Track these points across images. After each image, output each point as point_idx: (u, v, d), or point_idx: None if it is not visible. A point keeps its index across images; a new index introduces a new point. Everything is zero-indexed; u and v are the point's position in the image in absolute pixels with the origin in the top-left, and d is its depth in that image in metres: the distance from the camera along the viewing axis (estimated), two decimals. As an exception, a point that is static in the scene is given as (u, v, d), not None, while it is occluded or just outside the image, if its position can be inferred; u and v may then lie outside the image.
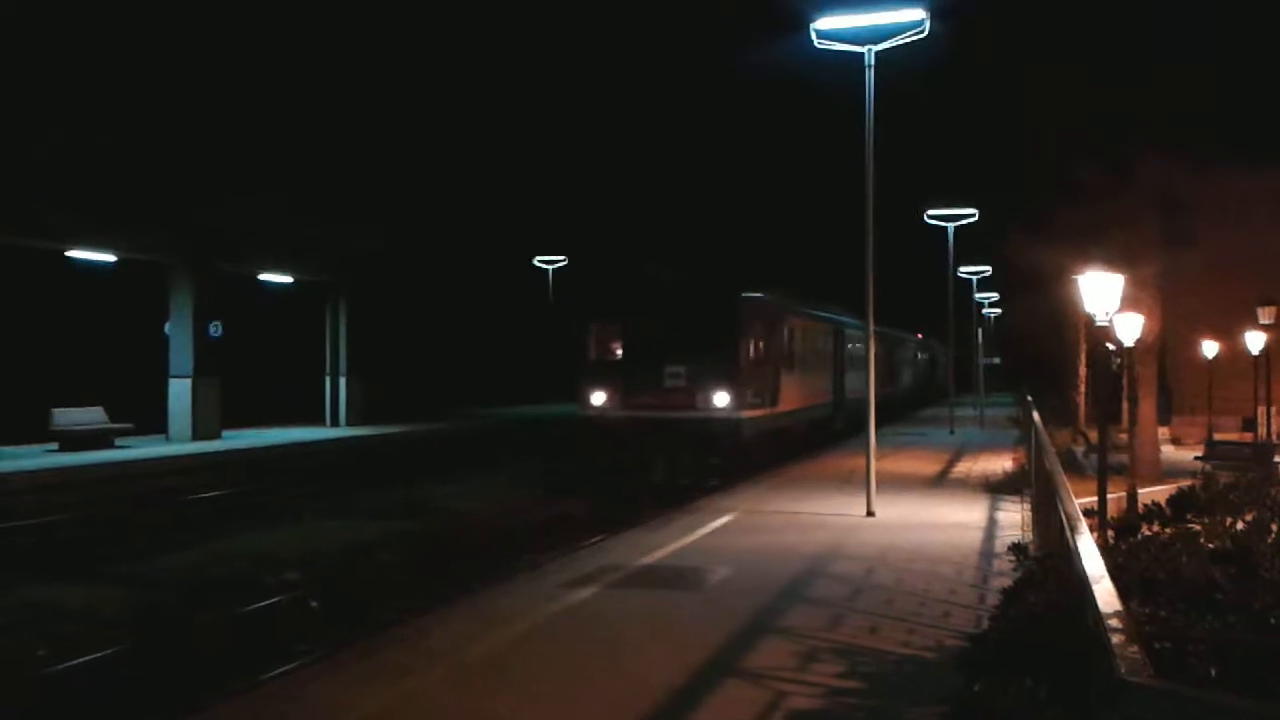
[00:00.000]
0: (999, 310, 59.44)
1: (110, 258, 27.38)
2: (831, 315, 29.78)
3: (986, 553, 12.17)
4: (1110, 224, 22.18)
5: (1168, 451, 30.27)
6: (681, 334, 20.31)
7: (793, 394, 23.54)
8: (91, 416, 25.30)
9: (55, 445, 24.04)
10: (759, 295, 21.90)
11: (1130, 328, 16.18)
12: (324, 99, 38.85)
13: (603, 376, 20.69)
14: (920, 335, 56.38)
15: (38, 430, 24.21)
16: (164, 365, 28.49)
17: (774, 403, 21.78)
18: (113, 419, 25.73)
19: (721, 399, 19.77)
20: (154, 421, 27.87)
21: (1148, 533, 9.43)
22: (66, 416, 24.59)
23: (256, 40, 36.37)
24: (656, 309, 20.92)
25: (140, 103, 29.66)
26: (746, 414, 20.05)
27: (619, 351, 21.28)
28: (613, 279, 24.76)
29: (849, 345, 31.20)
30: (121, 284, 30.77)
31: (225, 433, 28.73)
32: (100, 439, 24.85)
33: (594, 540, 13.98)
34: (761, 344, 21.24)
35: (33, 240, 24.95)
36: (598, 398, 20.56)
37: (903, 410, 43.49)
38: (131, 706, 8.72)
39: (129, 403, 26.75)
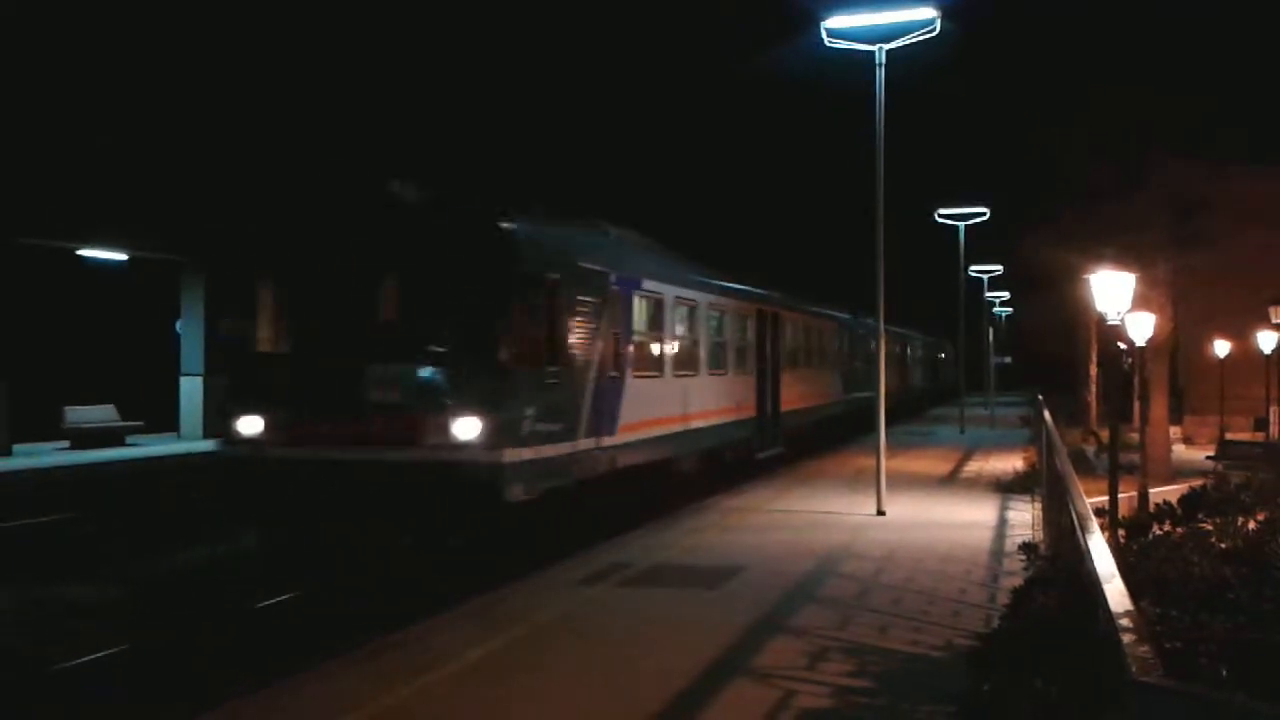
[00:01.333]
0: (1010, 309, 59.33)
1: (122, 256, 27.48)
2: (756, 289, 20.75)
3: (997, 552, 12.16)
4: (1122, 224, 22.16)
5: (1179, 451, 30.22)
6: (402, 306, 11.63)
7: (657, 409, 14.92)
8: (103, 414, 25.38)
9: (67, 443, 24.12)
10: (561, 231, 13.30)
11: (1142, 327, 16.14)
12: (333, 98, 38.96)
13: (261, 385, 11.73)
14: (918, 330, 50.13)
15: (49, 428, 24.30)
16: (175, 363, 28.59)
17: (600, 429, 12.89)
18: (124, 417, 25.82)
19: (467, 427, 10.73)
20: (165, 419, 27.97)
21: (1159, 532, 9.42)
22: (78, 414, 24.65)
23: (267, 40, 36.49)
24: (359, 259, 11.58)
25: (154, 105, 29.77)
26: (511, 455, 10.85)
27: (291, 341, 12.09)
28: (293, 206, 12.96)
29: (789, 336, 22.46)
30: (133, 282, 30.87)
31: (236, 431, 28.78)
32: (112, 437, 24.92)
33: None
34: (568, 322, 12.17)
35: (44, 239, 25.03)
36: (249, 424, 11.43)
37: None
38: (141, 704, 8.75)
39: (140, 400, 26.84)
